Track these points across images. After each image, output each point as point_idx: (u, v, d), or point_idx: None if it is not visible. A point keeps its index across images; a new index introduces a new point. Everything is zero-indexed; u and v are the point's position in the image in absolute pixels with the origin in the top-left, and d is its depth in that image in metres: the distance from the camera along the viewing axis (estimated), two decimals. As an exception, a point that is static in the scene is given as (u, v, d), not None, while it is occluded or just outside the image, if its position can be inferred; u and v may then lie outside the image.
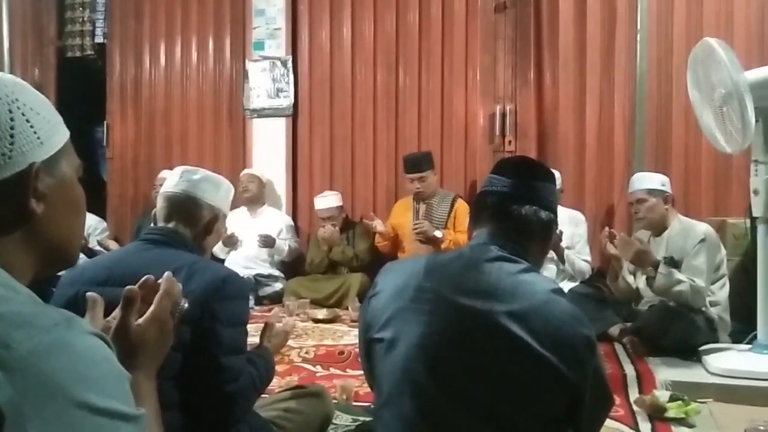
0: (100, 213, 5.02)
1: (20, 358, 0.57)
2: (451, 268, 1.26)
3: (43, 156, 0.72)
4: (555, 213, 1.35)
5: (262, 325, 1.80)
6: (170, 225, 1.56)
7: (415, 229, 3.99)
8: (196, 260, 1.46)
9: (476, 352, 1.17)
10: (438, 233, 3.95)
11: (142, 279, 0.94)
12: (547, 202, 1.33)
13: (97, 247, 4.36)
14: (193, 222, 1.57)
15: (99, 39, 5.30)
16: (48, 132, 0.73)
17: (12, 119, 0.69)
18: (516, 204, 1.29)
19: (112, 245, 4.44)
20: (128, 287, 0.90)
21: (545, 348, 1.13)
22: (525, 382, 1.15)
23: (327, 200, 4.42)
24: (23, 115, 0.70)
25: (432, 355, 1.18)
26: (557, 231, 3.76)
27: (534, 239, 1.32)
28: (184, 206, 1.57)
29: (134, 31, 5.21)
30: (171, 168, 4.68)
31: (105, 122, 5.30)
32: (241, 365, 1.45)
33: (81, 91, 5.35)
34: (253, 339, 1.66)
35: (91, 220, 4.62)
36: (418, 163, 4.12)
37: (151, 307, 0.91)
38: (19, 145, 0.69)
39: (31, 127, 0.71)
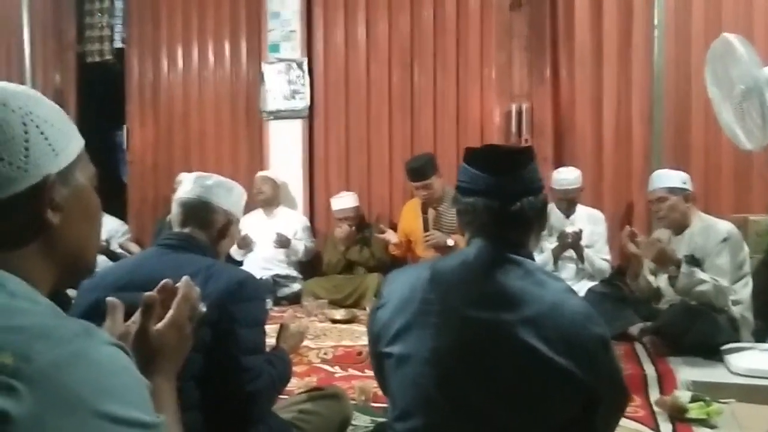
0: (121, 216, 5.08)
1: (41, 370, 0.57)
2: (455, 277, 1.23)
3: (58, 167, 0.72)
4: (543, 188, 1.28)
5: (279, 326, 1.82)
6: (186, 230, 1.59)
7: (427, 241, 3.93)
8: (212, 264, 1.48)
9: (486, 364, 1.15)
10: (450, 241, 3.86)
11: (161, 283, 0.95)
12: (537, 185, 1.27)
13: (119, 250, 4.42)
14: (208, 226, 1.60)
15: (118, 44, 5.37)
16: (62, 143, 0.73)
17: (26, 132, 0.70)
18: (510, 203, 1.23)
19: (134, 248, 4.51)
20: (147, 294, 0.91)
21: (558, 353, 1.11)
22: (538, 390, 1.13)
23: (343, 201, 4.43)
24: (37, 127, 0.71)
25: (442, 370, 1.17)
26: (577, 229, 3.79)
27: (533, 228, 1.28)
28: (199, 211, 1.60)
29: (152, 35, 5.27)
30: (190, 170, 4.74)
31: (125, 126, 5.36)
32: (260, 365, 1.47)
33: (101, 95, 5.43)
34: (270, 340, 1.68)
35: (113, 224, 4.68)
36: (421, 170, 3.96)
37: (170, 312, 0.92)
38: (34, 157, 0.70)
39: (46, 139, 0.71)
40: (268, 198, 4.58)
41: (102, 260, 3.79)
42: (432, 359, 1.17)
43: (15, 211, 0.69)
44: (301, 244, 4.52)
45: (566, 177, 3.85)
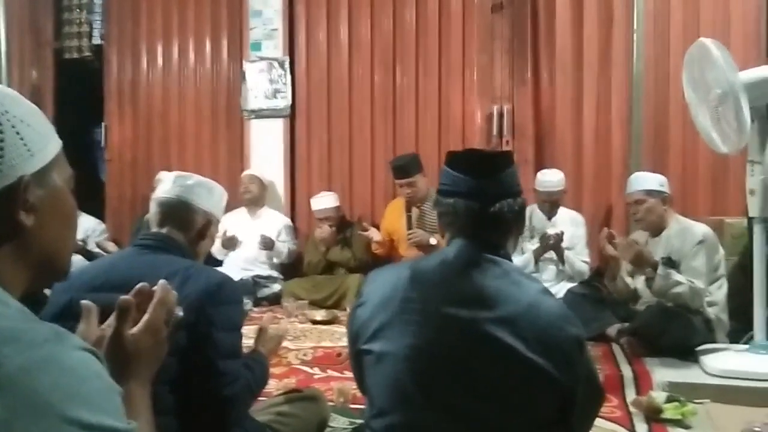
0: (99, 215, 5.01)
1: (10, 375, 0.57)
2: (435, 276, 1.25)
3: (34, 168, 0.71)
4: (521, 193, 1.32)
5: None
6: (164, 230, 1.57)
7: (410, 239, 3.96)
8: (191, 265, 1.47)
9: (464, 362, 1.16)
10: (433, 240, 3.88)
11: (137, 287, 0.94)
12: (515, 188, 1.31)
13: (96, 249, 4.36)
14: (187, 227, 1.58)
15: (96, 40, 5.29)
16: (39, 143, 0.72)
17: (1, 132, 0.68)
18: (489, 204, 1.26)
19: (111, 247, 4.45)
20: (123, 297, 0.89)
21: (534, 352, 1.13)
22: (516, 388, 1.15)
23: (323, 201, 4.42)
24: (13, 127, 0.70)
25: (420, 368, 1.18)
26: (559, 232, 3.82)
27: (511, 230, 1.31)
28: (178, 211, 1.57)
29: (131, 32, 5.21)
30: (169, 169, 4.70)
31: (103, 124, 5.29)
32: (237, 369, 1.46)
33: (79, 92, 5.36)
34: (249, 342, 1.67)
35: (90, 222, 4.62)
36: (405, 168, 4.03)
37: (145, 316, 0.90)
38: (9, 158, 0.69)
39: (21, 139, 0.70)
40: (255, 197, 4.55)
41: (78, 259, 3.73)
42: (411, 356, 1.18)
43: None
44: (284, 247, 4.49)
45: (550, 179, 3.88)
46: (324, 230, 4.30)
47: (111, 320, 0.90)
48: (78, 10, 5.31)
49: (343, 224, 4.48)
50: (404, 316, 1.21)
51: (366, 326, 1.26)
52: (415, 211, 4.09)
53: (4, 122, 0.69)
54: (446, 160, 1.34)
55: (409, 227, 4.03)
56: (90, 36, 5.30)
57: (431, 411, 1.17)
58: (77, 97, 5.34)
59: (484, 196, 1.26)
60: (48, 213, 0.73)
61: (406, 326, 1.20)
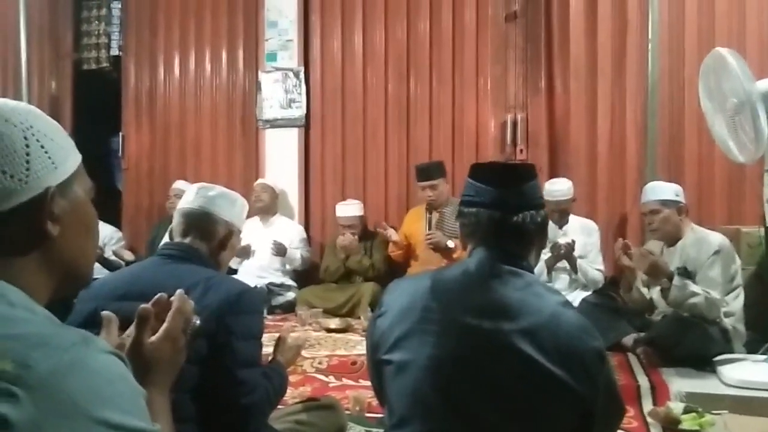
0: (116, 223, 5.07)
1: (40, 377, 0.59)
2: (456, 286, 1.26)
3: (58, 180, 0.75)
4: (544, 206, 1.34)
5: (275, 335, 1.82)
6: (187, 240, 1.60)
7: (428, 239, 4.01)
8: (212, 275, 1.49)
9: (485, 373, 1.17)
10: (450, 243, 3.95)
11: (155, 297, 0.97)
12: (537, 201, 1.32)
13: (113, 257, 4.41)
14: (209, 237, 1.61)
15: (114, 51, 5.38)
16: (61, 157, 0.76)
17: (27, 146, 0.72)
18: (511, 214, 1.27)
19: (127, 255, 4.50)
20: (142, 306, 0.92)
21: (555, 364, 1.13)
22: (536, 399, 1.15)
23: (350, 208, 4.43)
24: (38, 141, 0.73)
25: (441, 378, 1.18)
26: (570, 241, 3.81)
27: (533, 242, 1.32)
28: (200, 222, 1.60)
29: (149, 43, 5.29)
30: (185, 178, 4.78)
31: (120, 133, 5.37)
32: (256, 378, 1.48)
33: (97, 102, 5.43)
34: (267, 349, 1.68)
35: (107, 230, 4.67)
36: (429, 171, 4.15)
37: (164, 325, 0.93)
38: (35, 170, 0.72)
39: (46, 152, 0.74)
40: (266, 206, 4.58)
41: (96, 267, 3.77)
42: (431, 366, 1.19)
43: (16, 222, 0.71)
44: (297, 253, 4.52)
45: (559, 188, 3.87)
46: (347, 237, 4.31)
47: (131, 329, 0.93)
48: (97, 21, 5.41)
49: (365, 234, 4.48)
50: (424, 326, 1.22)
51: (386, 336, 1.27)
52: (435, 214, 4.16)
53: (29, 137, 0.73)
54: (470, 172, 1.36)
55: (429, 229, 4.07)
56: (108, 47, 5.39)
57: (452, 421, 1.17)
58: (95, 107, 5.42)
59: (506, 206, 1.28)
60: (71, 223, 0.77)
61: (426, 336, 1.21)
